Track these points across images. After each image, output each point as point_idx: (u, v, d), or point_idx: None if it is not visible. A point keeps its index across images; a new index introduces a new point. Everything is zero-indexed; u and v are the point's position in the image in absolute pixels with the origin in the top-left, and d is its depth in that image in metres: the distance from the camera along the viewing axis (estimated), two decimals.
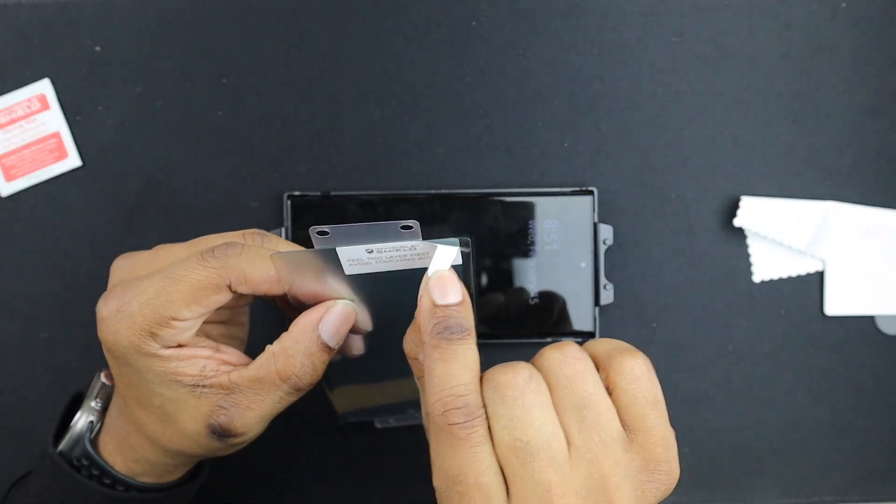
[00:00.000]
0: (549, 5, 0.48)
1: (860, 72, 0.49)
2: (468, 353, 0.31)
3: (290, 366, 0.34)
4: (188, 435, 0.35)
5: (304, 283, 0.34)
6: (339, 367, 0.39)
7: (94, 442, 0.38)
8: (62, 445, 0.38)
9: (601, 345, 0.32)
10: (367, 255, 0.33)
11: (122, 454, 0.38)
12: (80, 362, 0.49)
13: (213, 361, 0.35)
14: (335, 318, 0.34)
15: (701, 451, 0.50)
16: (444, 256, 0.32)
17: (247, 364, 0.35)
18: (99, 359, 0.49)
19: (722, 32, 0.48)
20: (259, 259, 0.33)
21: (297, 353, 0.34)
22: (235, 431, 0.35)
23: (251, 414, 0.35)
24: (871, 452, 0.50)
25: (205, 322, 0.36)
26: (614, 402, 0.30)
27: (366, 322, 0.37)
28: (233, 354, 0.36)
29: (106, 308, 0.34)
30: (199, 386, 0.34)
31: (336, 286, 0.35)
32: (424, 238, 0.32)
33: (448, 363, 0.30)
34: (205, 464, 0.42)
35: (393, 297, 0.35)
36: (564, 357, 0.31)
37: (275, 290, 0.34)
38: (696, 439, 0.50)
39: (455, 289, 0.32)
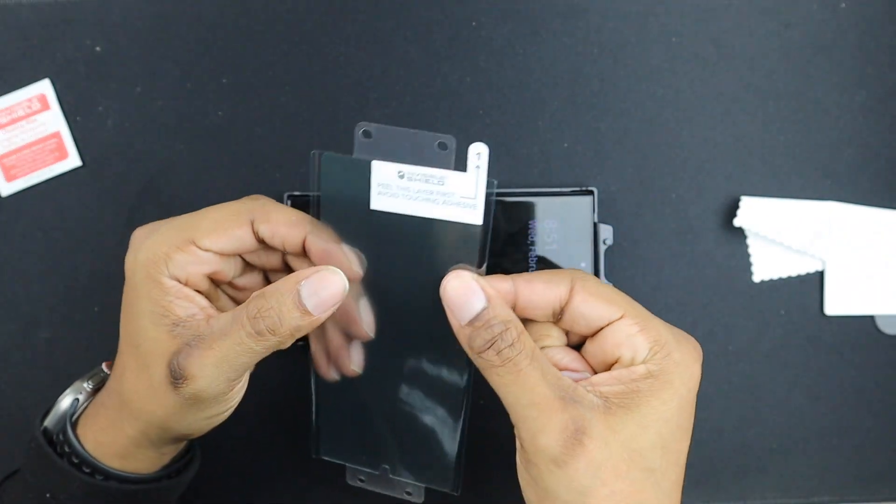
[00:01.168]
0: (549, 5, 0.48)
1: (860, 72, 0.49)
2: (532, 367, 0.32)
3: (260, 305, 0.33)
4: (154, 385, 0.34)
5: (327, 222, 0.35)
6: (333, 392, 0.39)
7: (77, 423, 0.38)
8: (47, 422, 0.38)
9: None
10: (397, 179, 0.33)
11: (95, 424, 0.37)
12: (80, 362, 0.49)
13: (203, 313, 0.35)
14: (320, 280, 0.33)
15: (701, 451, 0.50)
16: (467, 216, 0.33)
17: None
18: (99, 359, 0.49)
19: (722, 32, 0.49)
20: (283, 206, 0.36)
21: (272, 295, 0.33)
22: (188, 372, 0.33)
23: (209, 354, 0.33)
24: (871, 452, 0.50)
25: (215, 303, 0.37)
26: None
27: (369, 323, 0.36)
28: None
29: (140, 231, 0.36)
30: (178, 325, 0.34)
31: (355, 237, 0.35)
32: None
33: (517, 387, 0.32)
34: (193, 463, 0.41)
35: (402, 297, 0.35)
36: None
37: (292, 234, 0.35)
38: (696, 439, 0.50)
39: (476, 295, 0.33)
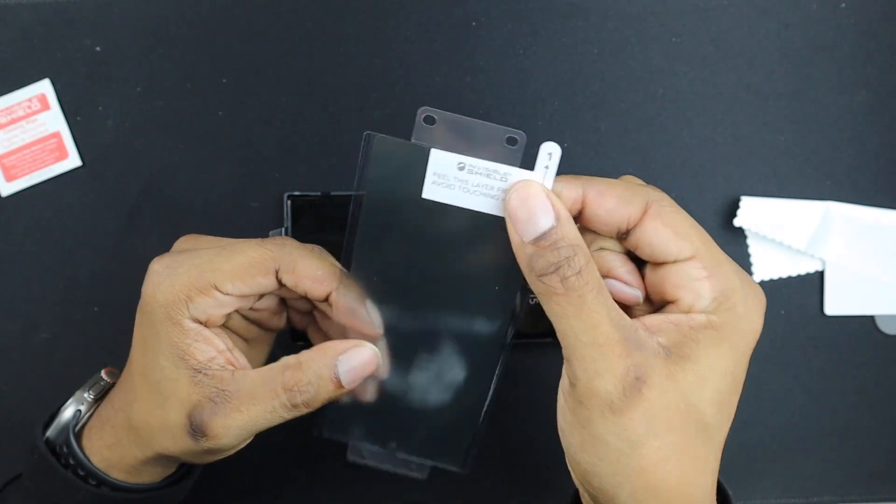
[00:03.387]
0: (549, 5, 0.48)
1: (860, 72, 0.49)
2: (598, 302, 0.29)
3: (297, 378, 0.33)
4: (169, 425, 0.34)
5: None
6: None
7: (80, 434, 0.38)
8: (49, 432, 0.38)
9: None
10: (456, 171, 0.31)
11: (101, 440, 0.37)
12: (80, 362, 0.49)
13: (222, 357, 0.35)
14: (358, 358, 0.34)
15: None
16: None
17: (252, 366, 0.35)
18: (99, 359, 0.49)
19: (722, 32, 0.49)
20: (311, 255, 0.34)
21: (310, 369, 0.33)
22: (211, 432, 0.33)
23: (236, 416, 0.33)
24: (871, 452, 0.50)
25: (233, 330, 0.37)
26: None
27: (377, 322, 0.35)
28: (242, 361, 0.36)
29: (158, 263, 0.35)
30: (200, 372, 0.34)
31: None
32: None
33: (579, 321, 0.29)
34: (195, 469, 0.41)
35: (437, 291, 0.34)
36: None
37: (317, 290, 0.35)
38: None
39: (544, 210, 0.29)
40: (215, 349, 0.34)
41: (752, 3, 0.48)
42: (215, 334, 0.35)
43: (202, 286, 0.33)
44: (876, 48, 0.49)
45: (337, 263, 0.35)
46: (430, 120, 0.31)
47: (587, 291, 0.29)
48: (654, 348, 0.29)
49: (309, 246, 0.35)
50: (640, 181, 0.33)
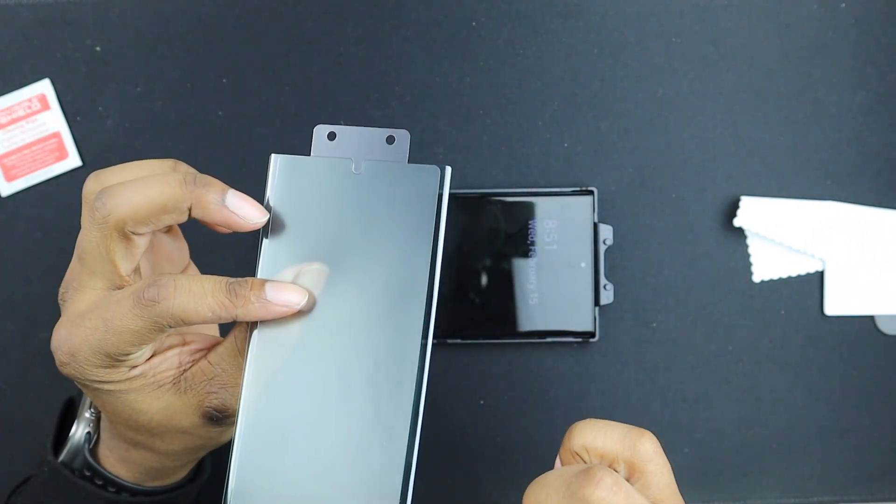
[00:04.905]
0: (549, 6, 0.48)
1: (860, 72, 0.49)
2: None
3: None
4: (187, 431, 0.35)
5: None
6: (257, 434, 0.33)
7: (94, 452, 0.38)
8: (63, 456, 0.38)
9: (607, 438, 0.32)
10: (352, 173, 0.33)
11: (125, 466, 0.37)
12: None
13: (185, 352, 0.34)
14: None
15: (701, 451, 0.50)
16: None
17: (216, 343, 0.35)
18: None
19: (722, 32, 0.49)
20: (195, 299, 0.31)
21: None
22: (231, 409, 0.34)
23: (238, 383, 0.33)
24: (871, 452, 0.50)
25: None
26: (642, 486, 0.31)
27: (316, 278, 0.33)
28: (200, 339, 0.35)
29: (60, 352, 0.32)
30: (181, 381, 0.33)
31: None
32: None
33: None
34: (206, 462, 0.42)
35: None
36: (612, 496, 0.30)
37: (213, 329, 0.34)
38: (696, 439, 0.50)
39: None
40: (174, 353, 0.34)
41: (752, 3, 0.48)
42: (161, 348, 0.34)
43: (115, 358, 0.32)
44: (876, 48, 0.49)
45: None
46: (331, 136, 0.33)
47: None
48: None
49: (188, 279, 0.32)
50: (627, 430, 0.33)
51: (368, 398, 0.32)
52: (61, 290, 0.34)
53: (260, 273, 0.33)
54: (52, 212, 0.48)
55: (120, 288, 0.33)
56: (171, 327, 0.31)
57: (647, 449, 0.31)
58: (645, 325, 0.49)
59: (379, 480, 0.32)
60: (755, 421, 0.50)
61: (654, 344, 0.49)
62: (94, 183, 0.34)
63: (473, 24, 0.48)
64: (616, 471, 0.32)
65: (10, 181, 0.48)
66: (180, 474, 0.39)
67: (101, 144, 0.48)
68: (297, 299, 0.31)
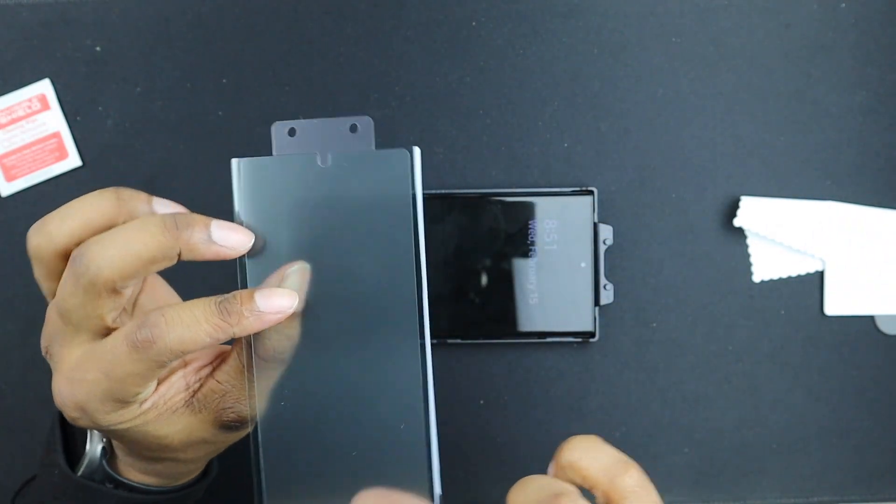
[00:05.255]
0: (549, 6, 0.48)
1: (860, 72, 0.49)
2: None
3: (265, 346, 0.32)
4: (208, 441, 0.35)
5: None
6: (279, 430, 0.34)
7: (113, 465, 0.38)
8: (81, 471, 0.37)
9: (592, 461, 0.31)
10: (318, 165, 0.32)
11: (149, 476, 0.37)
12: None
13: (189, 373, 0.34)
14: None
15: (701, 451, 0.50)
16: None
17: (221, 356, 0.35)
18: None
19: (722, 32, 0.49)
20: (189, 329, 0.30)
21: (270, 330, 0.32)
22: (245, 415, 0.34)
23: (253, 395, 0.33)
24: (871, 452, 0.50)
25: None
26: None
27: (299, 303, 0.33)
28: (200, 355, 0.35)
29: (68, 409, 0.32)
30: (193, 402, 0.33)
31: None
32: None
33: None
34: (213, 462, 0.42)
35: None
36: None
37: (210, 355, 0.34)
38: (696, 439, 0.50)
39: None
40: (179, 376, 0.34)
41: (752, 3, 0.48)
42: (166, 378, 0.34)
43: (123, 401, 0.32)
44: (876, 48, 0.49)
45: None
46: (291, 132, 0.32)
47: None
48: None
49: (177, 309, 0.31)
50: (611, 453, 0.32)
51: (376, 382, 0.32)
52: (43, 343, 0.33)
53: (248, 283, 0.32)
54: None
55: (108, 334, 0.32)
56: (171, 361, 0.31)
57: (626, 484, 0.30)
58: (645, 325, 0.49)
59: (403, 453, 0.32)
60: (755, 421, 0.50)
61: (654, 344, 0.49)
62: (40, 237, 0.32)
63: (473, 24, 0.48)
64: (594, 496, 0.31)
65: (10, 181, 0.48)
66: (196, 473, 0.39)
67: (101, 144, 0.48)
68: (288, 303, 0.31)
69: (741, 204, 0.48)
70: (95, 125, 0.48)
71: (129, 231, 0.30)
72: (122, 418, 0.32)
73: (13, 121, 0.48)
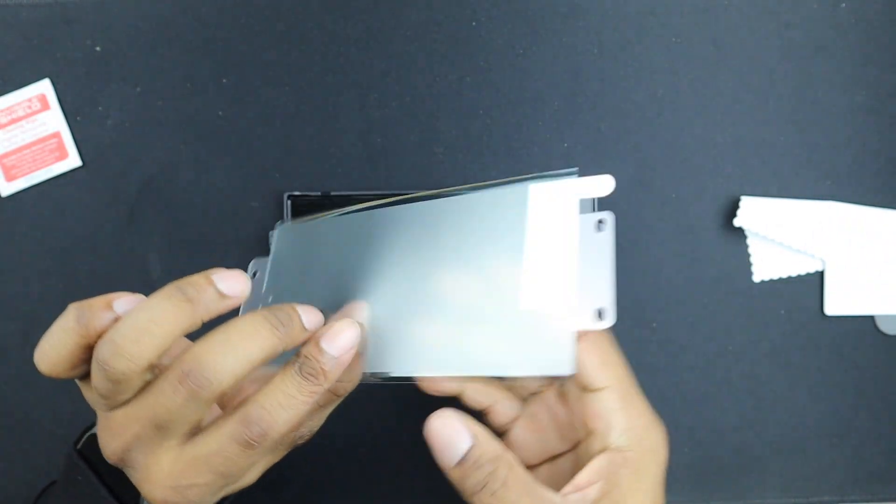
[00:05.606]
0: (549, 5, 0.48)
1: (860, 72, 0.49)
2: (525, 495, 0.31)
3: (338, 388, 0.33)
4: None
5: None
6: None
7: None
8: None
9: None
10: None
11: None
12: None
13: None
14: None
15: (701, 451, 0.50)
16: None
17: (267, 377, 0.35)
18: None
19: (722, 32, 0.48)
20: (291, 409, 0.31)
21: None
22: (305, 438, 0.35)
23: (312, 423, 0.35)
24: (871, 452, 0.50)
25: None
26: None
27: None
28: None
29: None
30: (277, 448, 0.34)
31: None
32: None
33: None
34: None
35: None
36: None
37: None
38: (697, 439, 0.50)
39: (459, 435, 0.31)
40: None
41: (752, 3, 0.48)
42: None
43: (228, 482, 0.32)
44: (876, 48, 0.49)
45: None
46: (600, 225, 0.32)
47: (512, 492, 0.31)
48: None
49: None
50: None
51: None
52: (118, 450, 0.31)
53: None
54: (52, 212, 0.48)
55: (198, 432, 0.31)
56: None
57: None
58: (645, 325, 0.49)
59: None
60: (755, 421, 0.50)
61: (654, 344, 0.49)
62: (123, 361, 0.29)
63: (473, 24, 0.48)
64: None
65: (10, 181, 0.48)
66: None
67: (101, 144, 0.48)
68: (353, 335, 0.32)
69: (741, 204, 0.48)
70: (95, 125, 0.48)
71: (241, 339, 0.30)
72: (226, 493, 0.33)
73: (13, 121, 0.48)
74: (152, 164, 0.48)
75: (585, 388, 0.33)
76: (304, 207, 0.47)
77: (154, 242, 0.48)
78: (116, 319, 0.29)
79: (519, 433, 0.37)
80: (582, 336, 0.33)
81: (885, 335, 0.50)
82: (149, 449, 0.30)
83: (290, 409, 0.30)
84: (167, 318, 0.29)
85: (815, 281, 0.49)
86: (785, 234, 0.48)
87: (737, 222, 0.48)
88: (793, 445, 0.50)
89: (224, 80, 0.48)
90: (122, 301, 0.30)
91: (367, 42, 0.48)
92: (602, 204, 0.48)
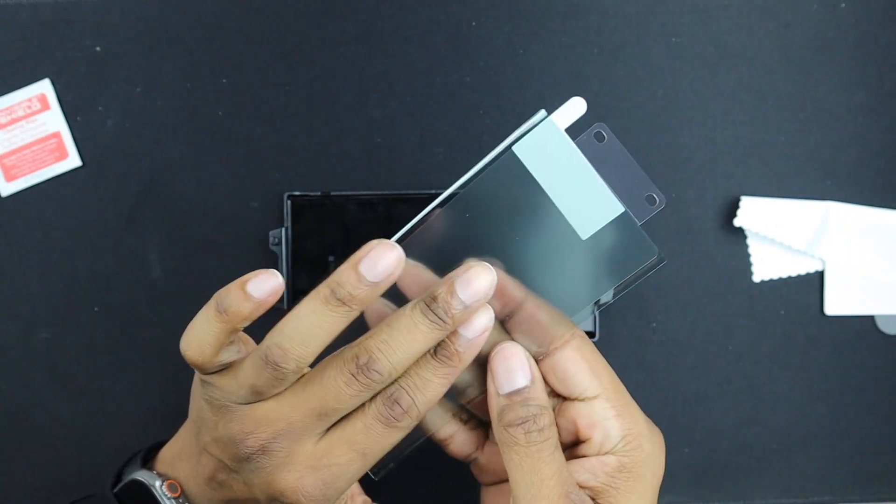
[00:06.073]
0: (549, 5, 0.48)
1: (860, 72, 0.49)
2: (553, 458, 0.32)
3: (423, 427, 0.35)
4: None
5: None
6: None
7: None
8: None
9: None
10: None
11: None
12: (80, 362, 0.49)
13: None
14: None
15: (701, 451, 0.50)
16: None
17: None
18: (99, 359, 0.49)
19: (722, 32, 0.48)
20: (429, 391, 0.32)
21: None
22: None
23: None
24: (871, 452, 0.50)
25: None
26: None
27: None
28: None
29: (311, 497, 0.33)
30: None
31: None
32: None
33: (532, 474, 0.31)
34: None
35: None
36: None
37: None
38: (697, 439, 0.50)
39: (523, 370, 0.32)
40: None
41: (752, 3, 0.48)
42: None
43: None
44: (876, 48, 0.49)
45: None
46: (599, 136, 0.33)
47: (545, 448, 0.32)
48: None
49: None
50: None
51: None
52: (266, 438, 0.32)
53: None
54: (52, 212, 0.48)
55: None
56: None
57: None
58: (645, 325, 0.49)
59: None
60: (755, 421, 0.50)
61: (654, 344, 0.49)
62: (293, 363, 0.31)
63: (473, 24, 0.48)
64: None
65: (10, 181, 0.48)
66: None
67: (101, 144, 0.48)
68: (487, 319, 0.32)
69: (741, 204, 0.48)
70: (95, 125, 0.48)
71: (405, 333, 0.31)
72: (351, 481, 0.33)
73: (13, 121, 0.48)
74: (152, 164, 0.48)
75: (576, 398, 0.34)
76: (305, 207, 0.47)
77: (154, 242, 0.48)
78: (249, 300, 0.31)
79: (485, 455, 0.37)
80: (566, 345, 0.33)
81: (885, 335, 0.50)
82: (300, 435, 0.32)
83: (427, 392, 0.32)
84: (327, 321, 0.31)
85: (815, 281, 0.49)
86: (785, 234, 0.48)
87: (737, 222, 0.48)
88: (793, 445, 0.50)
89: (224, 80, 0.48)
90: (255, 282, 0.31)
91: (367, 42, 0.48)
92: None
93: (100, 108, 0.48)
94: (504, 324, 0.34)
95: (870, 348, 0.50)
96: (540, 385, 0.33)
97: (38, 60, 0.48)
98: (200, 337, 0.31)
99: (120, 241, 0.48)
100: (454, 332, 0.32)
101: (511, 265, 0.33)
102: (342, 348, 0.32)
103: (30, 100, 0.48)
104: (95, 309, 0.49)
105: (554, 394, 0.34)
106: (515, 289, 0.33)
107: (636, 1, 0.48)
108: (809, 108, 0.49)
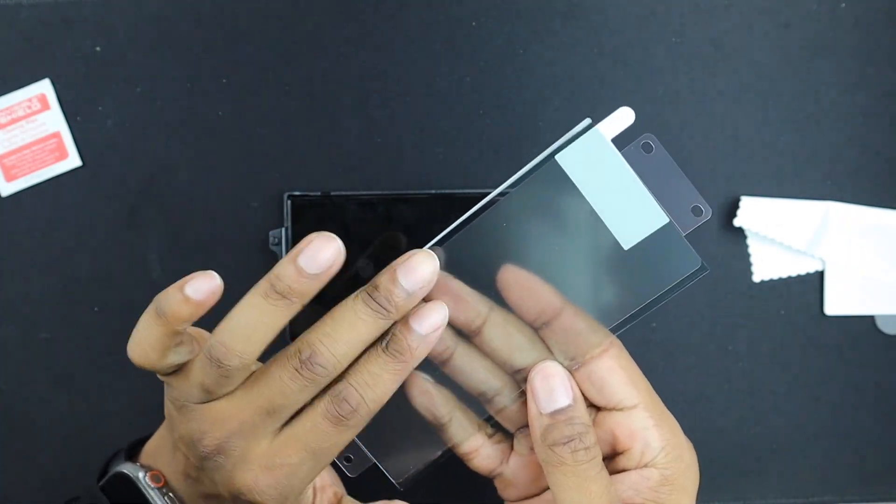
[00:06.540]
0: (549, 5, 0.48)
1: (860, 72, 0.49)
2: (599, 477, 0.31)
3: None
4: None
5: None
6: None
7: None
8: None
9: None
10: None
11: None
12: (80, 362, 0.49)
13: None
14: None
15: (701, 451, 0.50)
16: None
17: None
18: (99, 359, 0.49)
19: (722, 32, 0.48)
20: (378, 386, 0.31)
21: None
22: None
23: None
24: (871, 452, 0.50)
25: None
26: None
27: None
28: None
29: (265, 496, 0.33)
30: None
31: None
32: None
33: (579, 493, 0.31)
34: None
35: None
36: None
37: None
38: (696, 439, 0.50)
39: (565, 389, 0.32)
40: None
41: (752, 3, 0.48)
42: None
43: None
44: (876, 48, 0.49)
45: None
46: (647, 147, 0.33)
47: (592, 466, 0.31)
48: None
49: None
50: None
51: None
52: (221, 437, 0.32)
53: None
54: (52, 212, 0.48)
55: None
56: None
57: None
58: (645, 325, 0.49)
59: None
60: (755, 421, 0.50)
61: (654, 344, 0.49)
62: (235, 359, 0.30)
63: (473, 24, 0.48)
64: None
65: (10, 181, 0.48)
66: None
67: (101, 144, 0.48)
68: (441, 315, 0.32)
69: (741, 204, 0.48)
70: (95, 125, 0.48)
71: (348, 324, 0.30)
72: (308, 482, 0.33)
73: (13, 121, 0.48)
74: (152, 164, 0.48)
75: (614, 408, 0.33)
76: (305, 207, 0.47)
77: (154, 242, 0.48)
78: (188, 302, 0.30)
79: (510, 469, 0.37)
80: (604, 354, 0.33)
81: (885, 335, 0.50)
82: (252, 434, 0.31)
83: (375, 389, 0.31)
84: (268, 315, 0.30)
85: (815, 281, 0.49)
86: (785, 234, 0.48)
87: (737, 222, 0.48)
88: (793, 445, 0.50)
89: (224, 80, 0.48)
90: (193, 284, 0.30)
91: (367, 42, 0.48)
92: None
93: (100, 108, 0.48)
94: (539, 331, 0.33)
95: (870, 348, 0.50)
96: (582, 404, 0.33)
97: (38, 60, 0.48)
98: (143, 340, 0.31)
99: (120, 241, 0.48)
100: (407, 327, 0.31)
101: (549, 273, 0.33)
102: (290, 344, 0.32)
103: (30, 100, 0.48)
104: (95, 309, 0.49)
105: (589, 405, 0.34)
106: (553, 297, 0.33)
107: (636, 1, 0.48)
108: (809, 109, 0.49)
